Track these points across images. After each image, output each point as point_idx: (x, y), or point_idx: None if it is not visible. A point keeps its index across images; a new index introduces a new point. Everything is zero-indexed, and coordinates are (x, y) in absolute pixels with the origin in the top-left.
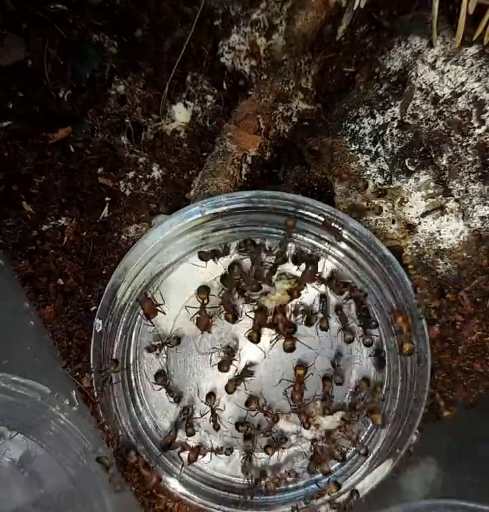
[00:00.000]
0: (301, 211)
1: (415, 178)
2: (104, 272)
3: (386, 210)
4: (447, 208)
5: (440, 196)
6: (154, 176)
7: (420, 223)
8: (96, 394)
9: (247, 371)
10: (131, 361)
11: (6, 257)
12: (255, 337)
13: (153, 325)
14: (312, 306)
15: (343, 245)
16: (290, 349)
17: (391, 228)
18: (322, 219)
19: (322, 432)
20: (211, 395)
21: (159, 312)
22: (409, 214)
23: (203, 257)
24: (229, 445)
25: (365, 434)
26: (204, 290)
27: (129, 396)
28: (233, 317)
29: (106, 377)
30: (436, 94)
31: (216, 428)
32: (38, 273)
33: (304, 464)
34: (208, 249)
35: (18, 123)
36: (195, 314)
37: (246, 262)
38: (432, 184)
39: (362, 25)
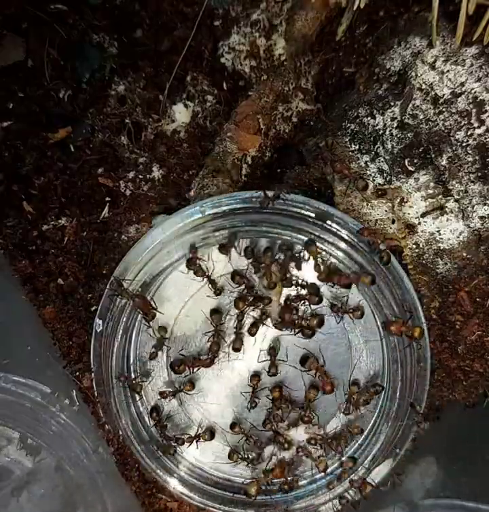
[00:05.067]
0: (303, 212)
1: (415, 178)
2: (104, 272)
3: (386, 210)
4: (447, 208)
5: (440, 196)
6: (154, 176)
7: (419, 223)
8: (96, 394)
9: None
10: (131, 361)
11: (6, 257)
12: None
13: (150, 326)
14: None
15: (342, 245)
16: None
17: (391, 228)
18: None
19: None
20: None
21: (156, 312)
22: (409, 214)
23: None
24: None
25: (361, 439)
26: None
27: (129, 395)
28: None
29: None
30: (436, 94)
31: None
32: (38, 273)
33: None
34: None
35: (18, 123)
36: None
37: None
38: (432, 184)
39: (362, 25)
